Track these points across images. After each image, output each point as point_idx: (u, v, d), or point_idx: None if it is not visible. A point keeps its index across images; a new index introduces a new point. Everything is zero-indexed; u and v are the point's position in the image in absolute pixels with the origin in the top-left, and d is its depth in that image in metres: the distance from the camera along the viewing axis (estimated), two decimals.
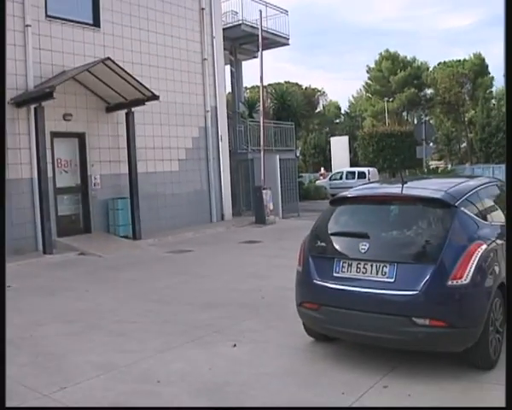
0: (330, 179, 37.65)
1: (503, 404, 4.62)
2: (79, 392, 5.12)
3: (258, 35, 21.41)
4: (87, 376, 5.50)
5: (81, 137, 15.75)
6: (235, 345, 6.34)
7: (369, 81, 73.49)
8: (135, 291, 9.60)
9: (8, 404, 4.26)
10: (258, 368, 5.63)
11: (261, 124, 21.01)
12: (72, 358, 6.10)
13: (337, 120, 77.62)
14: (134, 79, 14.99)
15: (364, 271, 5.36)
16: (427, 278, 5.02)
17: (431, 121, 59.41)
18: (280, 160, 22.62)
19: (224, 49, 21.64)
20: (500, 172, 44.67)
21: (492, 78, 66.17)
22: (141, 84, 15.17)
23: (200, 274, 10.97)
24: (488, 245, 5.38)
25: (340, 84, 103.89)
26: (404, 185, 5.99)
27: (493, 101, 67.30)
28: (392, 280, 5.17)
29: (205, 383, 5.26)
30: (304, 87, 72.21)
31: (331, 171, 41.95)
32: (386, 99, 66.77)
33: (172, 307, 8.41)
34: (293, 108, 30.11)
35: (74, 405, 4.85)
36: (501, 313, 5.56)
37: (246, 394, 5.02)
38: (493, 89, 67.87)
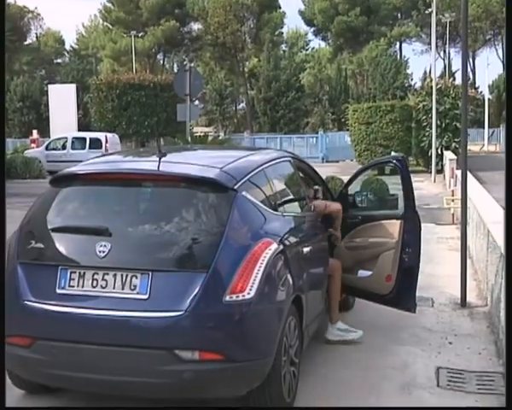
0: (48, 149, 37.08)
1: None
2: None
3: None
4: None
5: None
6: None
7: (108, 4, 73.34)
8: None
9: None
10: None
11: None
12: None
13: (59, 60, 76.70)
14: None
15: (104, 284, 5.32)
16: (196, 291, 5.13)
17: (198, 69, 61.23)
18: None
19: None
20: (290, 144, 46.29)
21: (284, 14, 68.94)
22: None
23: None
24: (279, 245, 5.69)
25: (66, 5, 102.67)
26: (162, 159, 6.08)
27: (283, 46, 70.53)
28: (144, 297, 5.22)
29: None
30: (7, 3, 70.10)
31: (49, 136, 41.32)
32: (133, 33, 67.14)
33: None
34: None
35: None
36: (296, 337, 5.93)
37: None
38: (284, 29, 70.77)
